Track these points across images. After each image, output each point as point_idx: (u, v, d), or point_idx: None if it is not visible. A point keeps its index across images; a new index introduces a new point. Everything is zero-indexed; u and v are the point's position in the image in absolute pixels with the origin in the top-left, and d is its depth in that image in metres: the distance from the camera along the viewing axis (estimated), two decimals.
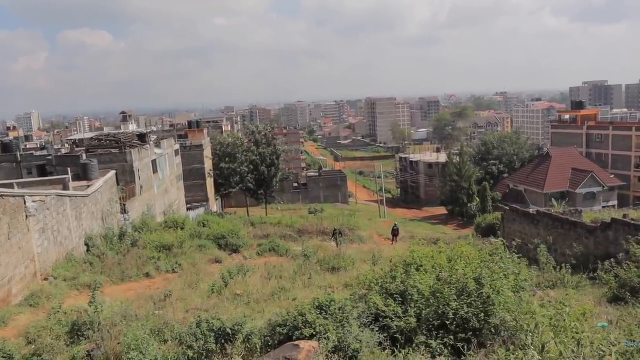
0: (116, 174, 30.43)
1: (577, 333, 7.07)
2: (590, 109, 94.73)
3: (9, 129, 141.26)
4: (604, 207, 54.09)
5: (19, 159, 36.76)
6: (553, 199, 51.60)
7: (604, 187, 57.84)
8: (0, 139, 66.74)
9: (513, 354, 6.67)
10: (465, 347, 7.66)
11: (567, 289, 14.70)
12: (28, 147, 54.77)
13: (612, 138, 69.13)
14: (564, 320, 7.68)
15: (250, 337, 8.78)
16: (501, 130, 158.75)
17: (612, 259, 17.07)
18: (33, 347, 9.75)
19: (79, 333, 10.23)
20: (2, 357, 8.78)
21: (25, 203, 16.07)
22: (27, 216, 16.10)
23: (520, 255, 11.34)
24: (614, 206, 55.44)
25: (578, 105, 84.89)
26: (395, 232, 36.83)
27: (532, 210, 29.17)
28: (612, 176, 61.70)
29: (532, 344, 7.07)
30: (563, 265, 17.46)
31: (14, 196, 15.58)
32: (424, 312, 8.65)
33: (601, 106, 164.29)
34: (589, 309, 9.49)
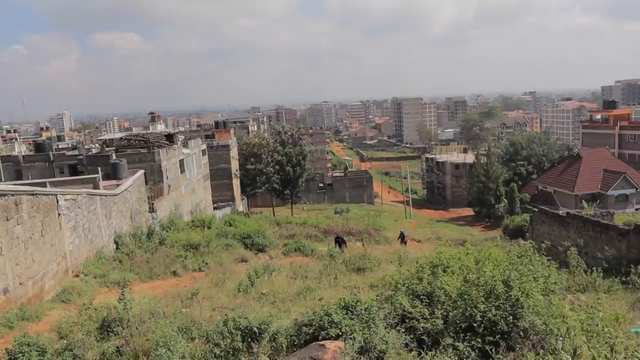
0: (145, 174, 30.93)
1: (610, 338, 6.91)
2: (623, 108, 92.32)
3: (42, 129, 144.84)
4: (637, 210, 52.71)
5: (52, 159, 37.70)
6: (583, 201, 50.49)
7: (637, 188, 56.30)
8: (34, 139, 68.57)
9: (543, 358, 6.55)
10: (493, 350, 7.55)
11: (599, 293, 14.36)
12: (60, 146, 56.12)
13: None
14: (597, 325, 7.51)
15: (276, 336, 8.81)
16: (530, 130, 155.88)
17: None
18: (65, 341, 9.95)
19: (109, 329, 10.40)
20: (36, 350, 8.99)
21: (57, 201, 16.46)
22: (59, 214, 16.50)
23: (550, 257, 11.12)
24: None
25: (610, 105, 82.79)
26: (402, 238, 35.63)
27: (562, 212, 28.59)
28: None
29: (562, 348, 6.93)
30: (594, 268, 17.04)
31: (47, 195, 15.97)
32: (451, 314, 8.54)
33: (635, 105, 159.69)
34: (622, 313, 9.27)
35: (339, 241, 28.02)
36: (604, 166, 58.85)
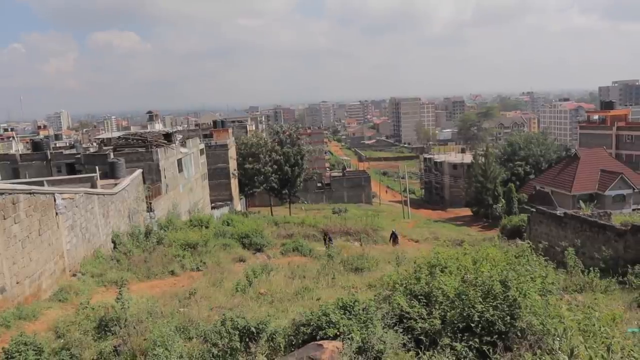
0: (142, 173, 30.85)
1: (606, 338, 6.93)
2: (620, 109, 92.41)
3: (39, 127, 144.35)
4: (634, 210, 52.73)
5: (49, 157, 37.67)
6: (581, 201, 50.55)
7: (634, 189, 56.34)
8: (32, 138, 68.47)
9: (540, 358, 6.56)
10: (491, 350, 7.56)
11: (596, 293, 14.36)
12: (58, 145, 56.00)
13: None
14: (593, 325, 7.52)
15: (274, 336, 8.80)
16: (527, 130, 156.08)
17: None
18: (62, 341, 9.93)
19: (106, 328, 10.39)
20: (33, 350, 8.97)
21: (55, 200, 16.43)
22: (56, 213, 16.46)
23: (547, 258, 11.14)
24: None
25: (607, 105, 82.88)
26: (394, 238, 34.61)
27: (559, 212, 28.62)
28: None
29: (559, 348, 6.95)
30: (591, 268, 17.06)
31: (45, 193, 15.93)
32: (448, 314, 8.56)
33: (632, 106, 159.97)
34: (619, 313, 9.29)
35: (327, 238, 29.41)
36: (602, 166, 58.91)
